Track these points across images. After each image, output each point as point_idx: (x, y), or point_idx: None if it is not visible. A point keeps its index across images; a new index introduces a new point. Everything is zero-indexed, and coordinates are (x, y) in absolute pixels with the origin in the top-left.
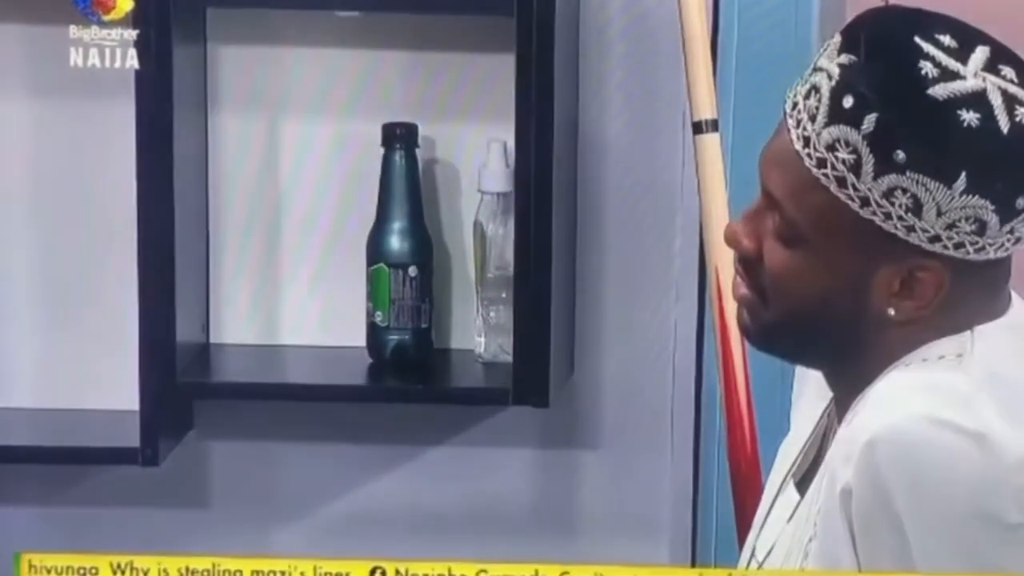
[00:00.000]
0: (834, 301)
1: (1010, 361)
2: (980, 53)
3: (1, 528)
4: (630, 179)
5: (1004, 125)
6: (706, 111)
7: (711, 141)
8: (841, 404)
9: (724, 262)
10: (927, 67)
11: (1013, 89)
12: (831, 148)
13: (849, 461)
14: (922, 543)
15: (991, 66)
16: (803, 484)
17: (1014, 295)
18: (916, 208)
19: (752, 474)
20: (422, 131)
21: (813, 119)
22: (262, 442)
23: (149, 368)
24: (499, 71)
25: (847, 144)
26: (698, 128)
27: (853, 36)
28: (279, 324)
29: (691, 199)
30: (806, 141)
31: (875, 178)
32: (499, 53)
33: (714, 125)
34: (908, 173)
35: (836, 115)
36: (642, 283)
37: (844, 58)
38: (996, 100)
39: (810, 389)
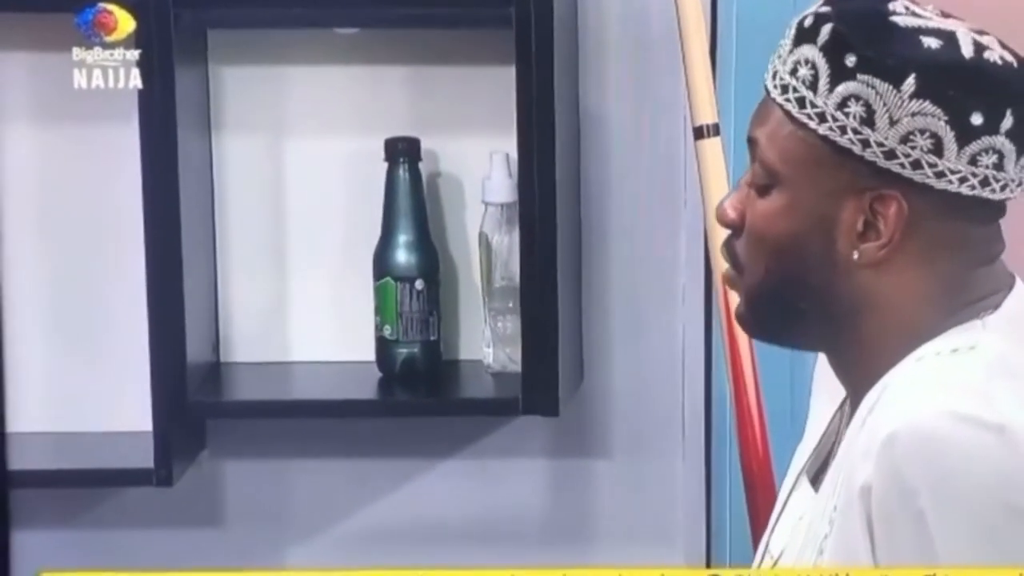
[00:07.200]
0: (803, 247)
1: (1022, 352)
2: (964, 24)
3: (19, 552)
4: (634, 185)
5: (967, 54)
6: (707, 115)
7: (713, 145)
8: (854, 397)
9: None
10: (898, 7)
11: (989, 43)
12: (793, 72)
13: (868, 457)
14: (946, 537)
15: (972, 28)
16: (816, 481)
17: (1020, 282)
18: (869, 118)
19: (765, 477)
20: (424, 145)
21: (781, 56)
22: (275, 460)
23: (161, 389)
24: (500, 83)
25: (807, 61)
26: (699, 133)
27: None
28: (289, 341)
29: (695, 203)
30: (774, 75)
31: (830, 90)
32: (499, 65)
33: (715, 129)
34: (858, 76)
35: (799, 39)
36: (649, 289)
37: (821, 8)
38: (965, 40)
39: (823, 391)
